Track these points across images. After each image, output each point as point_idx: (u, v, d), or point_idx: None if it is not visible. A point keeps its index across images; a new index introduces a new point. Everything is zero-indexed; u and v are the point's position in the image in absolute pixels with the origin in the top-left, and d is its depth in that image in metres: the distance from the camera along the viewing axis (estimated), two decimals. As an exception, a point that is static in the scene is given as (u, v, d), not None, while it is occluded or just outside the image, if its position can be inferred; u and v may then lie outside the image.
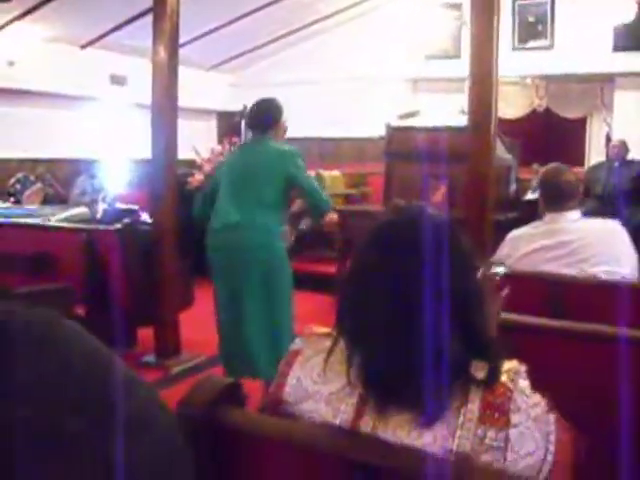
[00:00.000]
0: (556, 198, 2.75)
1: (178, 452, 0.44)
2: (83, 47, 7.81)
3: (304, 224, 6.47)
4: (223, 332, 3.56)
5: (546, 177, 2.88)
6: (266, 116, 3.50)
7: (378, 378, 1.11)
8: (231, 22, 7.93)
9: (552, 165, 3.03)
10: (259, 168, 3.39)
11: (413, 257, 1.10)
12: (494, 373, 1.09)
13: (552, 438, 1.09)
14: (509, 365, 1.14)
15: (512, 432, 1.06)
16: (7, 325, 0.41)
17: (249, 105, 3.66)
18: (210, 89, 9.33)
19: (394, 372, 1.08)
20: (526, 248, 2.75)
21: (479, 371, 1.10)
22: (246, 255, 3.36)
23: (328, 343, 1.20)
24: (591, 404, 1.77)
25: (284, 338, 3.37)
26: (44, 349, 0.41)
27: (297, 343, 1.27)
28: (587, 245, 2.66)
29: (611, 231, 2.73)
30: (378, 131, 6.86)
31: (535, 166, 7.60)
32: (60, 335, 0.43)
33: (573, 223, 2.73)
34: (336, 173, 7.95)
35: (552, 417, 1.13)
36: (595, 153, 8.50)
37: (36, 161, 7.39)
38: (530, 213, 4.88)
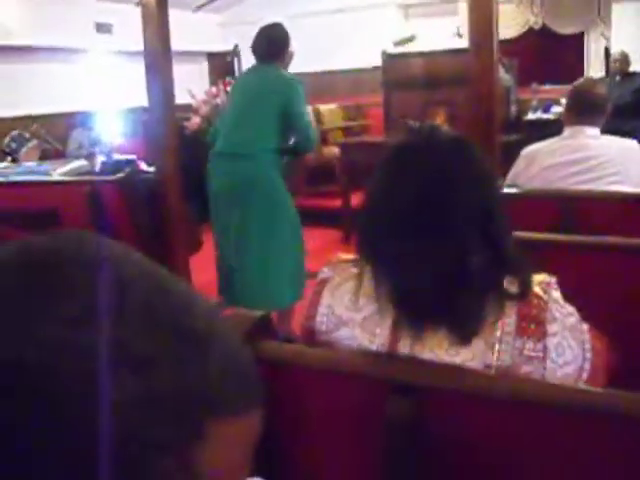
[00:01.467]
0: (587, 109, 2.68)
1: (249, 361, 0.44)
2: (65, -4, 7.60)
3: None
4: (221, 265, 3.55)
5: (578, 88, 2.81)
6: (271, 46, 3.41)
7: (409, 299, 1.10)
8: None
9: (585, 77, 2.99)
10: (262, 95, 3.34)
11: (430, 176, 1.09)
12: (526, 285, 1.09)
13: (588, 346, 1.10)
14: (539, 278, 1.14)
15: (550, 342, 1.06)
16: (60, 254, 0.40)
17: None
18: (199, 30, 9.10)
19: (424, 291, 1.08)
20: (544, 162, 2.69)
21: (512, 286, 1.10)
22: (241, 186, 3.32)
23: (355, 269, 1.19)
24: (614, 315, 1.77)
25: (282, 275, 3.36)
26: (101, 272, 0.40)
27: (324, 271, 1.26)
28: (607, 162, 2.60)
29: (632, 150, 2.66)
30: (373, 61, 6.73)
31: (534, 86, 7.50)
32: (113, 253, 0.42)
33: (594, 139, 2.66)
34: (333, 107, 7.86)
35: (585, 326, 1.13)
36: (593, 69, 8.34)
37: (29, 118, 7.27)
38: (532, 133, 4.82)
